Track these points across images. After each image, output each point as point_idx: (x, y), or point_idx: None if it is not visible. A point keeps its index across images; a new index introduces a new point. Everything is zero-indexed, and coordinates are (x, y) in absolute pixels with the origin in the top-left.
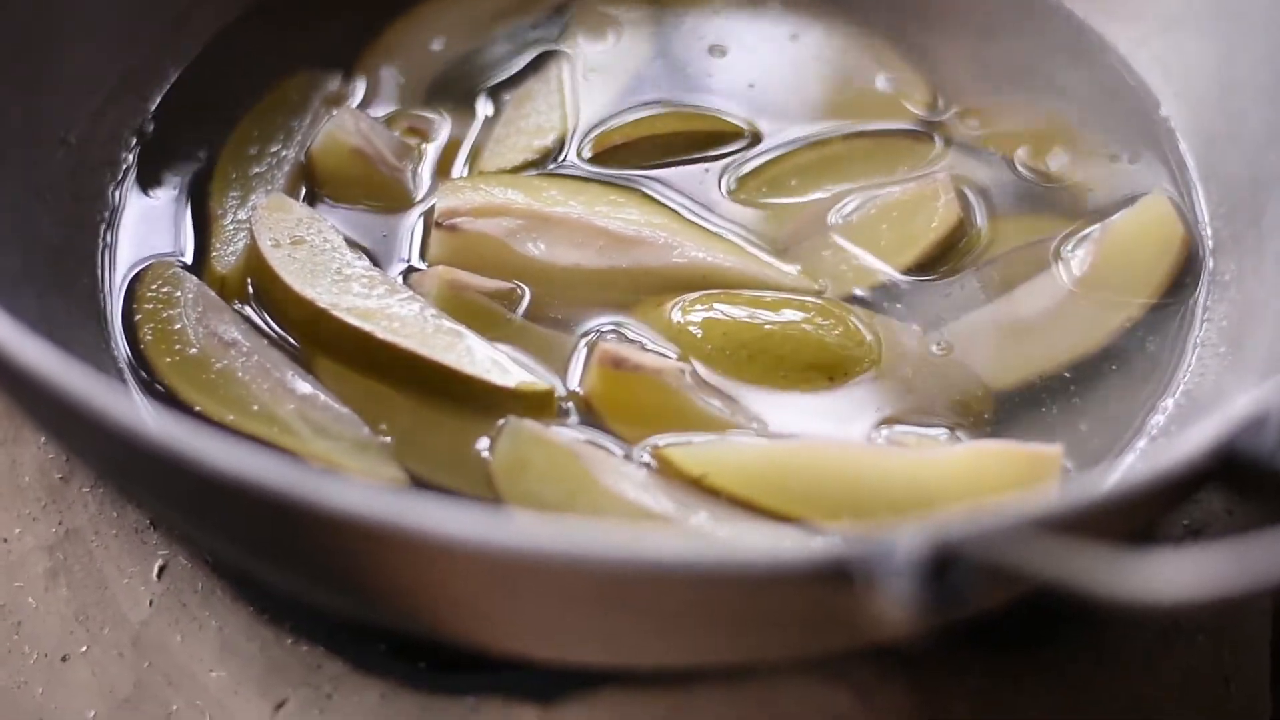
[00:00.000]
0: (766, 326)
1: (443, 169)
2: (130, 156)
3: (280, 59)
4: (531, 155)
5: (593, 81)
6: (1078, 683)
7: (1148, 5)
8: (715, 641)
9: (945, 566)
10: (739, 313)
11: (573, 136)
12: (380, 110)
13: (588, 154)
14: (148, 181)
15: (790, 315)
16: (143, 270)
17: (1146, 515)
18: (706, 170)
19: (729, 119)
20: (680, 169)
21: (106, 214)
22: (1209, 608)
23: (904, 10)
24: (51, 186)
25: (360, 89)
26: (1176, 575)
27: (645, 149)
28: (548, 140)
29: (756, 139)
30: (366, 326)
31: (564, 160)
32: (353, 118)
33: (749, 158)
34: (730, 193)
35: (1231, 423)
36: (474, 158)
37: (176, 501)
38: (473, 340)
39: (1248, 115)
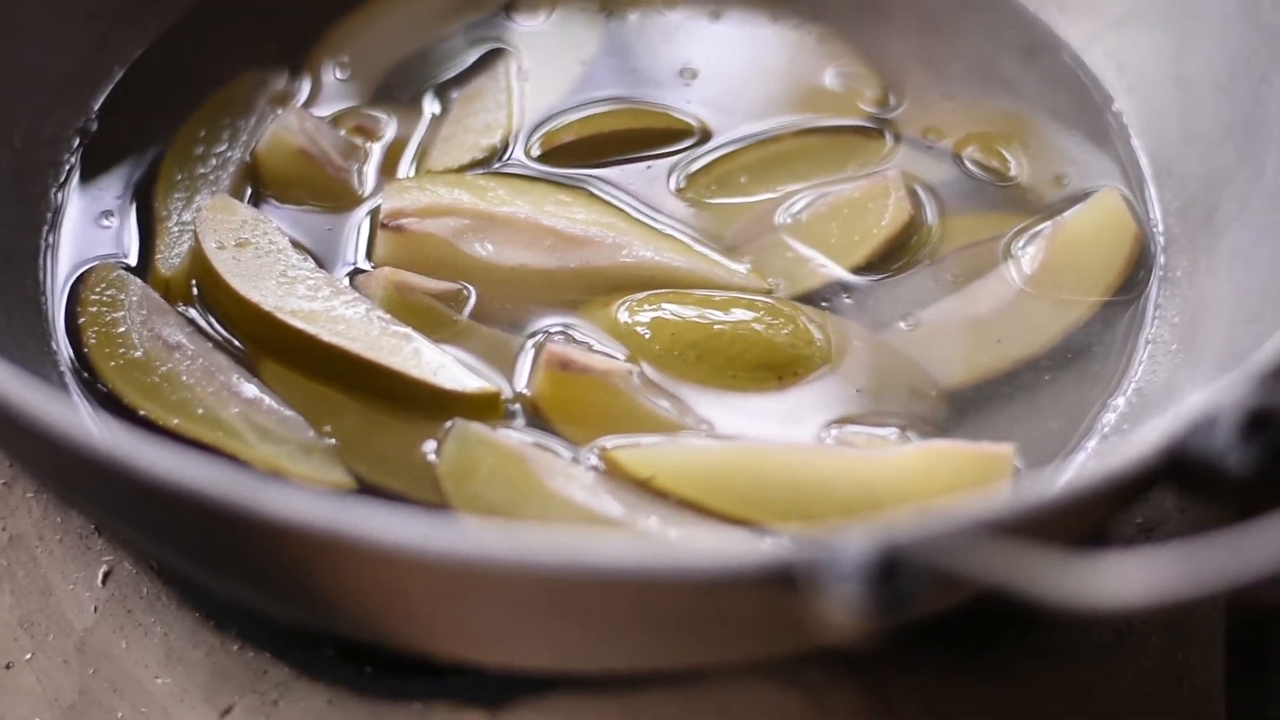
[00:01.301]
0: (715, 326)
1: (389, 168)
2: (74, 158)
3: (226, 59)
4: (479, 154)
5: (540, 79)
6: (1031, 683)
7: (1101, 1)
8: (662, 646)
9: (892, 571)
10: (687, 312)
11: (520, 135)
12: (326, 109)
13: (536, 152)
14: (91, 183)
15: (739, 315)
16: (86, 273)
17: (1097, 516)
18: (651, 168)
19: (678, 116)
20: (629, 167)
21: (49, 216)
22: (1158, 611)
23: (855, 5)
24: None
25: (306, 88)
26: (1124, 580)
27: (593, 147)
28: (495, 139)
29: (706, 136)
30: (311, 329)
31: (511, 159)
32: (298, 118)
33: (698, 155)
34: (679, 191)
35: (1181, 422)
36: (421, 157)
37: (117, 509)
38: (419, 342)
39: (1201, 111)
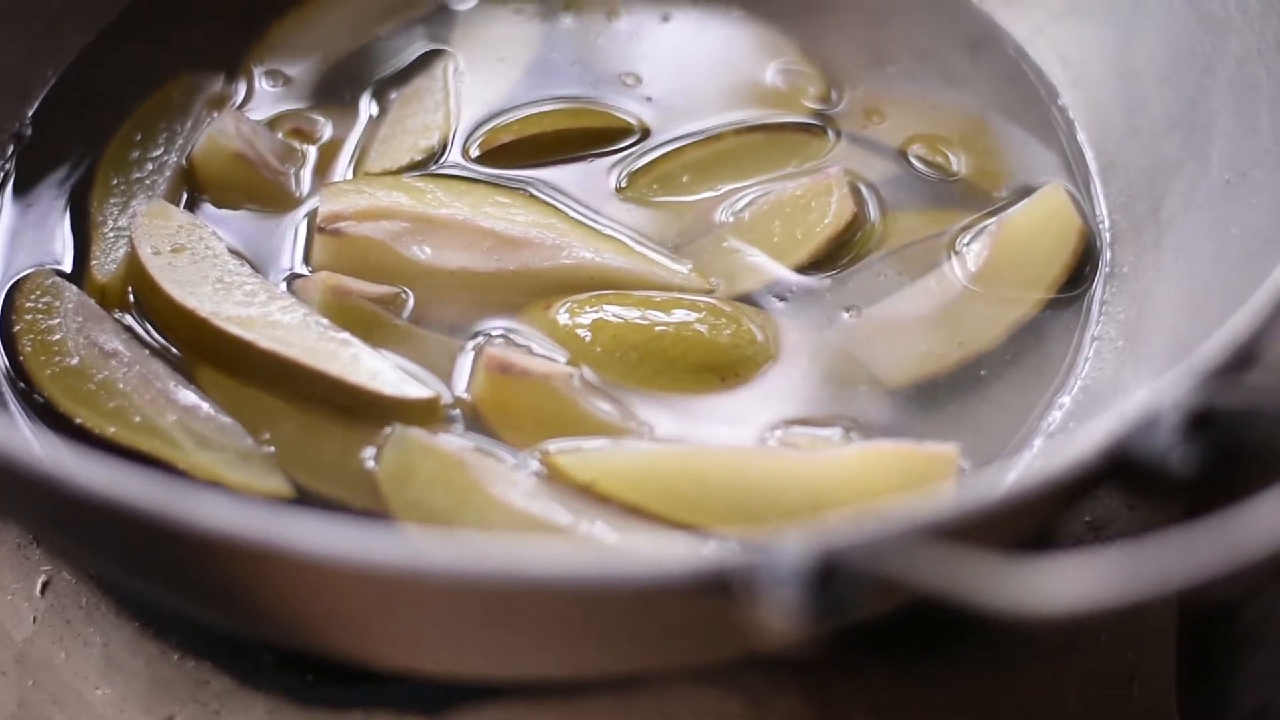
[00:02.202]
0: (657, 328)
1: (326, 171)
2: (8, 163)
3: (161, 61)
4: (417, 155)
5: (479, 79)
6: (978, 685)
7: None
8: (602, 652)
9: (830, 576)
10: (628, 314)
11: (458, 135)
12: (263, 112)
13: (475, 153)
14: (25, 188)
15: (681, 316)
16: (21, 279)
17: (1041, 517)
18: (591, 167)
19: (618, 114)
20: (569, 167)
21: None
22: (1101, 615)
23: (797, 0)
24: None
25: (242, 91)
26: (1066, 583)
27: (533, 147)
28: (433, 140)
29: (646, 134)
30: (248, 335)
31: (450, 160)
32: (234, 121)
33: (639, 154)
34: (620, 190)
35: (1125, 422)
36: (359, 159)
37: (53, 521)
38: (357, 347)
39: (1146, 104)
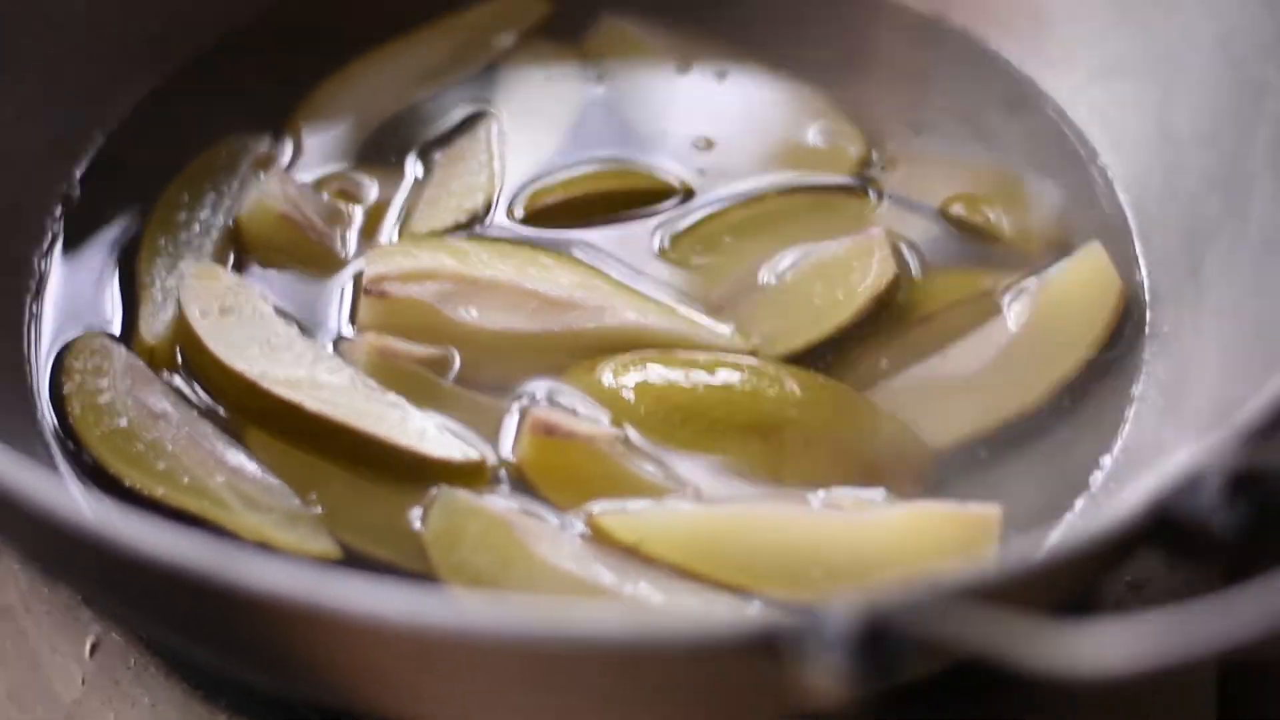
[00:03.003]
0: (700, 389)
1: (372, 232)
2: (56, 224)
3: (208, 122)
4: (462, 217)
5: (523, 140)
6: None
7: (1084, 53)
8: (646, 713)
9: (876, 639)
10: (672, 375)
11: (503, 197)
12: (309, 172)
13: (519, 214)
14: (74, 250)
15: (724, 377)
16: (71, 342)
17: (1083, 578)
18: (634, 229)
19: (661, 177)
20: (612, 228)
21: (32, 284)
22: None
23: (837, 60)
24: None
25: (289, 151)
26: (1110, 646)
27: (577, 207)
28: (478, 201)
29: (689, 195)
30: (296, 397)
31: (495, 221)
32: (280, 183)
33: (682, 215)
34: (663, 252)
35: (1167, 484)
36: (404, 220)
37: (103, 583)
38: (404, 409)
39: (1185, 165)
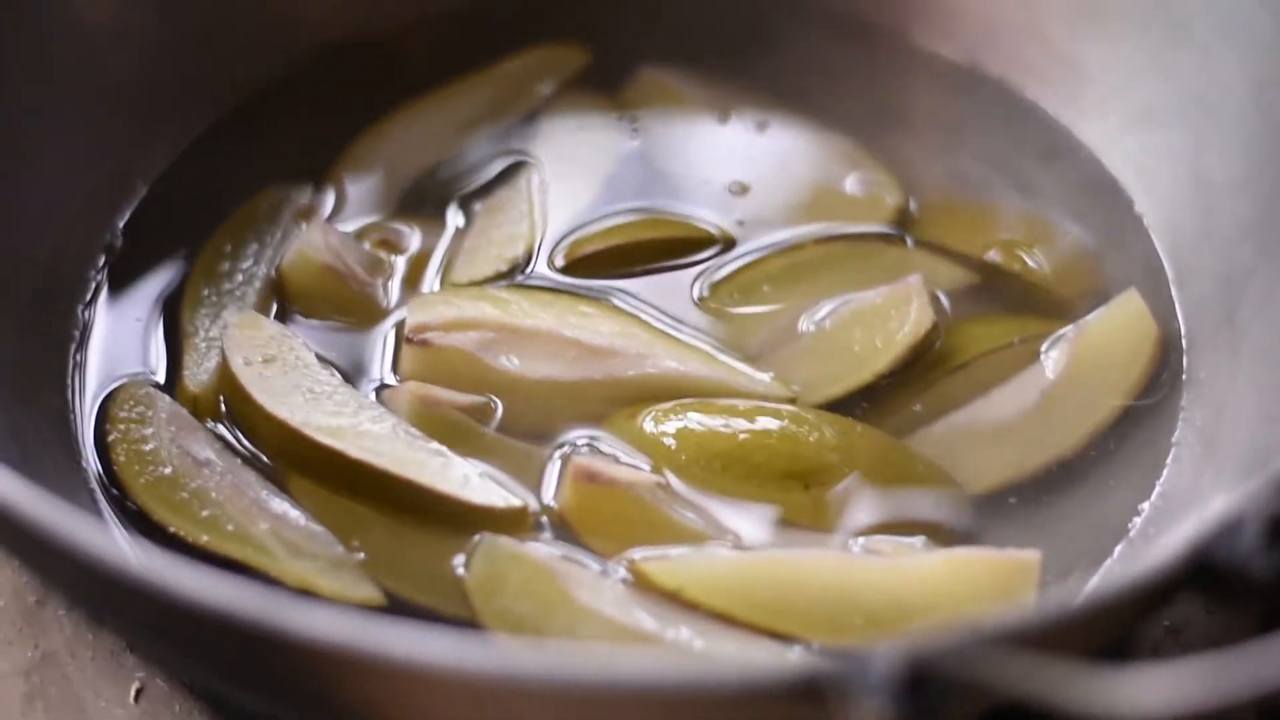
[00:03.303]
0: (740, 436)
1: (413, 281)
2: (100, 274)
3: (249, 172)
4: (503, 266)
5: (563, 189)
6: None
7: (1118, 101)
8: None
9: (919, 683)
10: (712, 422)
11: (543, 246)
12: (351, 222)
13: (559, 263)
14: (118, 299)
15: (764, 424)
16: (115, 390)
17: (1122, 623)
18: (674, 275)
19: (699, 225)
20: (651, 277)
21: (76, 333)
22: None
23: (874, 110)
24: (20, 306)
25: (330, 201)
26: (1150, 691)
27: (616, 256)
28: (518, 250)
29: (728, 244)
30: (339, 445)
31: (535, 270)
32: (322, 233)
33: (720, 264)
34: (702, 300)
35: (1206, 530)
36: (445, 269)
37: (148, 628)
38: (446, 457)
39: (1220, 211)
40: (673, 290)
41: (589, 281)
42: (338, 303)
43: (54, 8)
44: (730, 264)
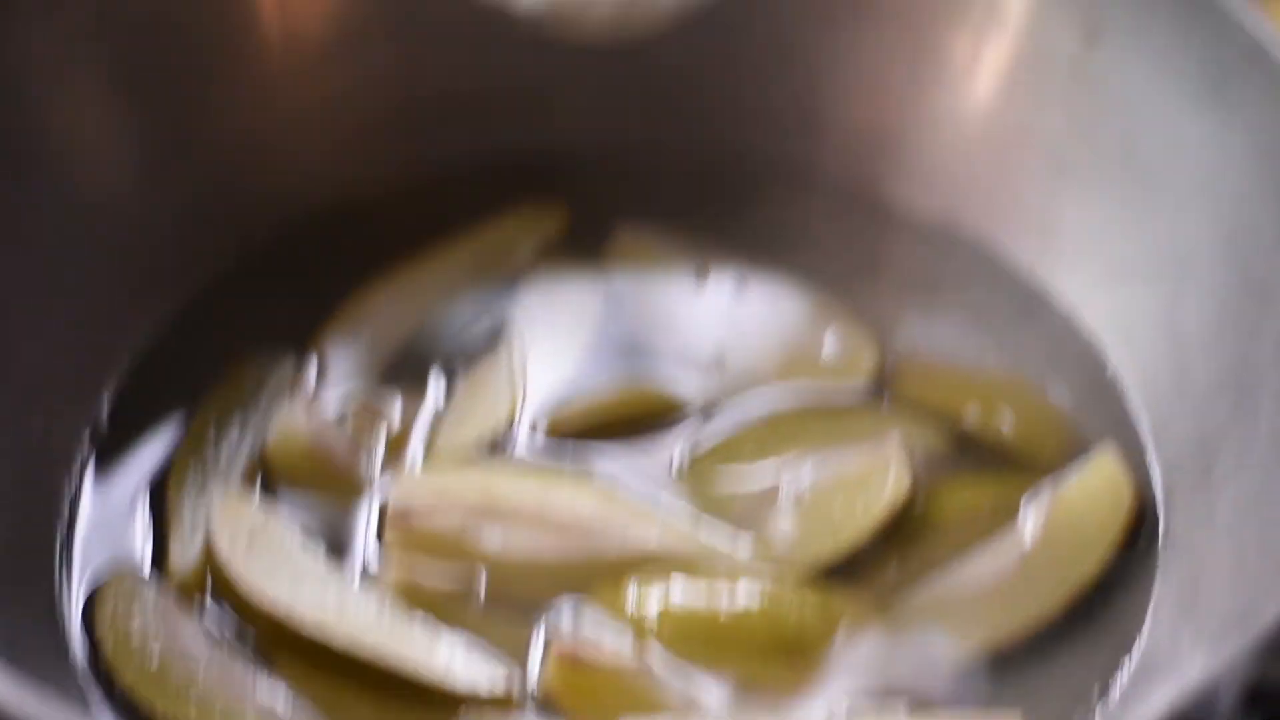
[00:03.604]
0: (722, 609)
1: (398, 451)
2: (84, 454)
3: (233, 342)
4: (485, 435)
5: (543, 356)
6: None
7: (1090, 258)
8: None
9: None
10: (694, 595)
11: (525, 416)
12: (334, 392)
13: (541, 433)
14: (104, 480)
15: (745, 596)
16: (103, 584)
17: None
18: (655, 442)
19: (679, 394)
20: (633, 443)
21: (62, 517)
22: None
23: (848, 268)
24: (2, 491)
25: (313, 371)
26: None
27: (599, 426)
28: (500, 420)
29: (708, 411)
30: (324, 626)
31: (518, 440)
32: (305, 409)
33: (700, 431)
34: (682, 468)
35: (1183, 695)
36: (429, 440)
37: None
38: (431, 637)
39: (1195, 367)
40: (654, 458)
41: (574, 445)
42: (321, 479)
43: (46, 180)
44: (710, 431)
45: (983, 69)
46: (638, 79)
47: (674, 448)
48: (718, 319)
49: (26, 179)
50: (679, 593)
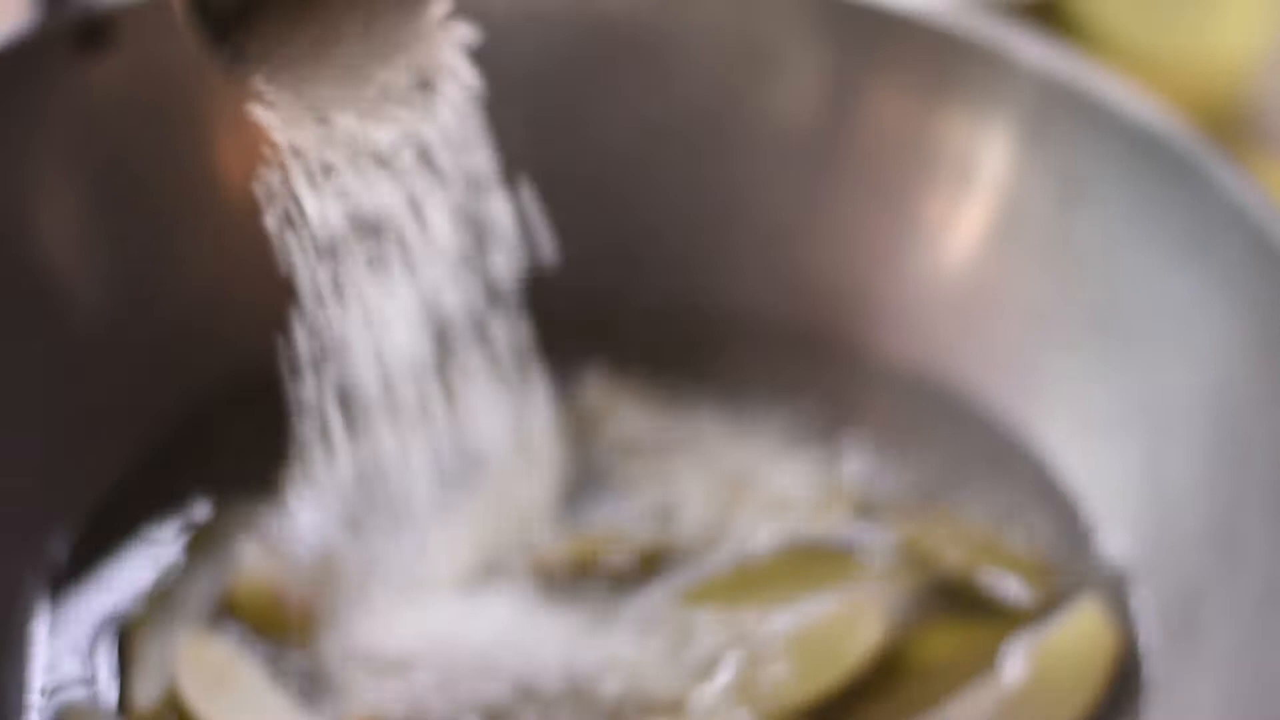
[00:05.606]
0: None
1: (363, 591)
2: (44, 595)
3: (197, 480)
4: (459, 570)
5: (515, 496)
6: None
7: (1071, 409)
8: None
9: None
10: None
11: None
12: (298, 534)
13: (514, 573)
14: (64, 622)
15: None
16: (60, 716)
17: None
18: (632, 588)
19: (652, 541)
20: (605, 588)
21: (20, 657)
22: None
23: (826, 420)
24: None
25: (278, 514)
26: None
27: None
28: (477, 554)
29: (682, 557)
30: None
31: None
32: (267, 551)
33: (674, 577)
34: (656, 613)
35: None
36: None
37: None
38: None
39: (1176, 517)
40: (626, 603)
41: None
42: (287, 620)
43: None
44: (683, 577)
45: (959, 228)
46: (604, 225)
47: (648, 593)
48: (695, 465)
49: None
50: None
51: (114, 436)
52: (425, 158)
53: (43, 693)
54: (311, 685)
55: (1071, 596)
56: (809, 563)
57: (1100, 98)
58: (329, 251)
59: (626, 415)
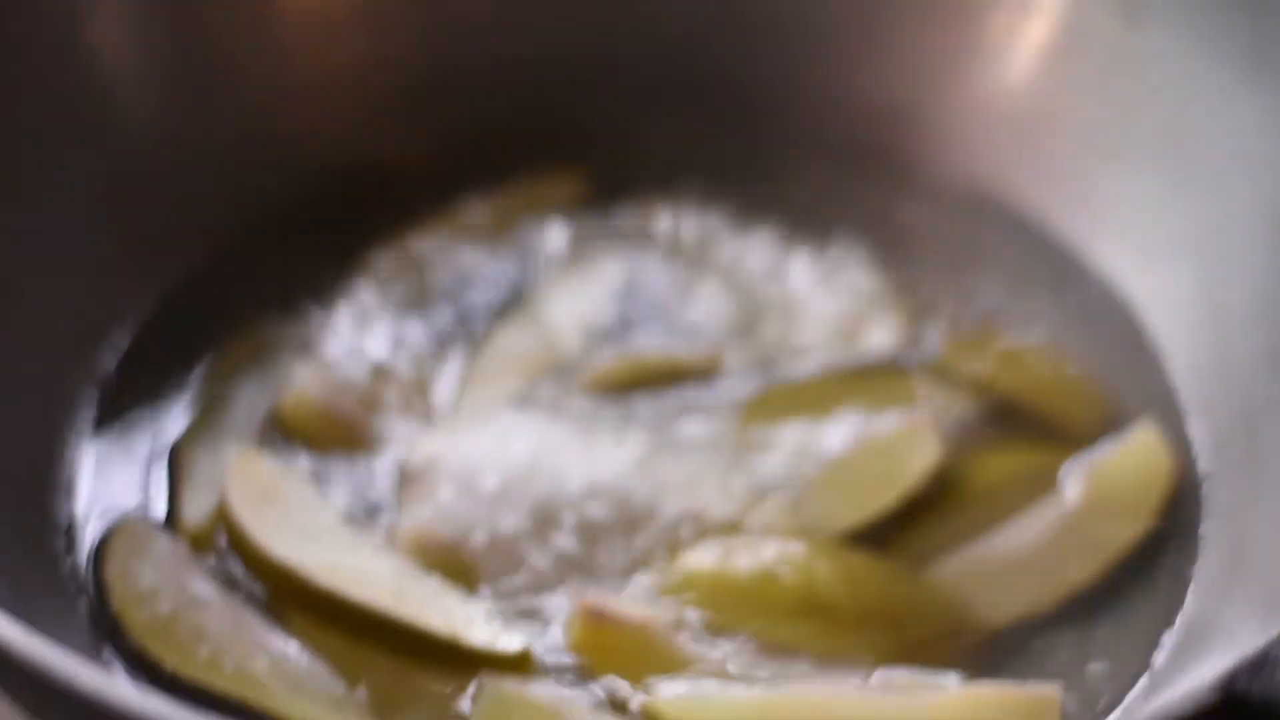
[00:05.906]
0: (752, 572)
1: (415, 410)
2: (95, 411)
3: (247, 301)
4: (511, 388)
5: (577, 306)
6: None
7: (1131, 231)
8: None
9: None
10: (724, 558)
11: (554, 368)
12: (349, 348)
13: (575, 389)
14: (115, 434)
15: (775, 559)
16: (112, 529)
17: None
18: (687, 404)
19: (711, 355)
20: (663, 401)
21: (72, 471)
22: None
23: (885, 238)
24: (10, 442)
25: (329, 328)
26: None
27: (631, 383)
28: (528, 377)
29: (739, 373)
30: (338, 584)
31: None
32: (319, 369)
33: (730, 393)
34: (712, 430)
35: (1235, 663)
36: (454, 397)
37: None
38: (447, 596)
39: (1235, 341)
40: (683, 419)
41: (608, 402)
42: (337, 437)
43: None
44: (741, 393)
45: (1019, 46)
46: (660, 49)
47: (704, 410)
48: (746, 285)
49: (57, 112)
50: (709, 556)
51: (167, 249)
52: None
53: (94, 507)
54: (360, 502)
55: (1130, 420)
56: (866, 383)
57: None
58: None
59: (679, 232)
